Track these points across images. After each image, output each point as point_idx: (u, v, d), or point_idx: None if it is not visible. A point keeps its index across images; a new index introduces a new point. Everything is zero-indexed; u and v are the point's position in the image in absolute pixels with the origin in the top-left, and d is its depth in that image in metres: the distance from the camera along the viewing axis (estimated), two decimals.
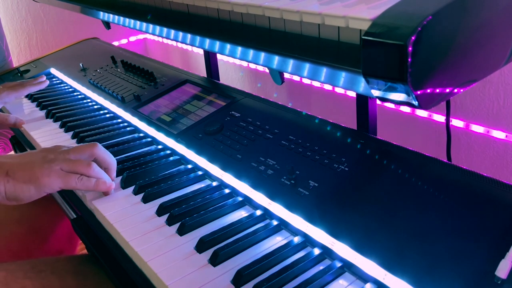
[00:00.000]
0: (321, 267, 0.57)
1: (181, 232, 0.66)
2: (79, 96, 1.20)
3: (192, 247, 0.63)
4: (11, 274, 0.73)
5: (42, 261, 0.79)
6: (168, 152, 0.87)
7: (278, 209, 0.66)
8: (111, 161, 0.77)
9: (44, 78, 1.17)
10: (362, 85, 0.46)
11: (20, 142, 1.07)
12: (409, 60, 0.38)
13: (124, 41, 2.24)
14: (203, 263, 0.60)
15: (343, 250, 0.57)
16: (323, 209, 0.63)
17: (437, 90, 0.42)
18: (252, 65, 1.77)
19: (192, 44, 0.71)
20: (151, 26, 0.81)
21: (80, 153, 0.75)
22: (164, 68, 1.23)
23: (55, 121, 1.07)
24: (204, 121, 0.92)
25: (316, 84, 1.51)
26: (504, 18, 0.47)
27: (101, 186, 0.73)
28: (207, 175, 0.80)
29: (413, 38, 0.37)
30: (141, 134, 0.96)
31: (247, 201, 0.72)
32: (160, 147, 0.90)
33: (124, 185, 0.78)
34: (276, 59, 0.56)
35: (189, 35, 0.71)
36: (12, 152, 1.60)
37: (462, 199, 0.59)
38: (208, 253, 0.61)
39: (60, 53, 1.56)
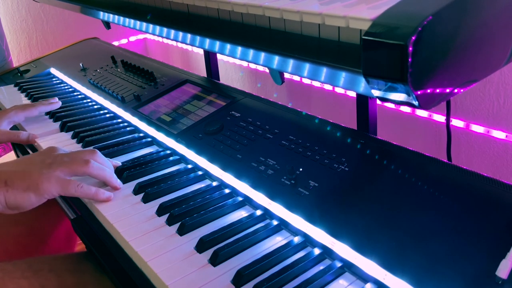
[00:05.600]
0: (321, 267, 0.57)
1: (181, 232, 0.65)
2: (79, 96, 1.20)
3: (192, 247, 0.63)
4: (8, 274, 0.73)
5: (39, 259, 0.79)
6: (168, 152, 0.87)
7: (278, 209, 0.66)
8: (109, 166, 0.77)
9: (56, 99, 1.13)
10: (362, 85, 0.46)
11: None
12: (409, 60, 0.38)
13: (124, 41, 2.24)
14: (203, 263, 0.60)
15: (343, 250, 0.57)
16: (323, 209, 0.63)
17: (438, 90, 0.42)
18: (252, 65, 1.76)
19: (192, 44, 0.71)
20: (151, 26, 0.81)
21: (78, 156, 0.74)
22: (164, 68, 1.23)
23: (55, 121, 1.07)
24: (204, 121, 0.92)
25: (316, 84, 1.51)
26: (504, 18, 0.47)
27: (100, 196, 0.73)
28: (207, 175, 0.80)
29: (413, 38, 0.37)
30: (141, 134, 0.96)
31: (247, 201, 0.72)
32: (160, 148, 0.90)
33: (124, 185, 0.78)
34: (276, 59, 0.56)
35: (189, 35, 0.71)
36: (12, 153, 1.60)
37: (462, 199, 0.59)
38: (208, 253, 0.61)
39: (60, 53, 1.56)
